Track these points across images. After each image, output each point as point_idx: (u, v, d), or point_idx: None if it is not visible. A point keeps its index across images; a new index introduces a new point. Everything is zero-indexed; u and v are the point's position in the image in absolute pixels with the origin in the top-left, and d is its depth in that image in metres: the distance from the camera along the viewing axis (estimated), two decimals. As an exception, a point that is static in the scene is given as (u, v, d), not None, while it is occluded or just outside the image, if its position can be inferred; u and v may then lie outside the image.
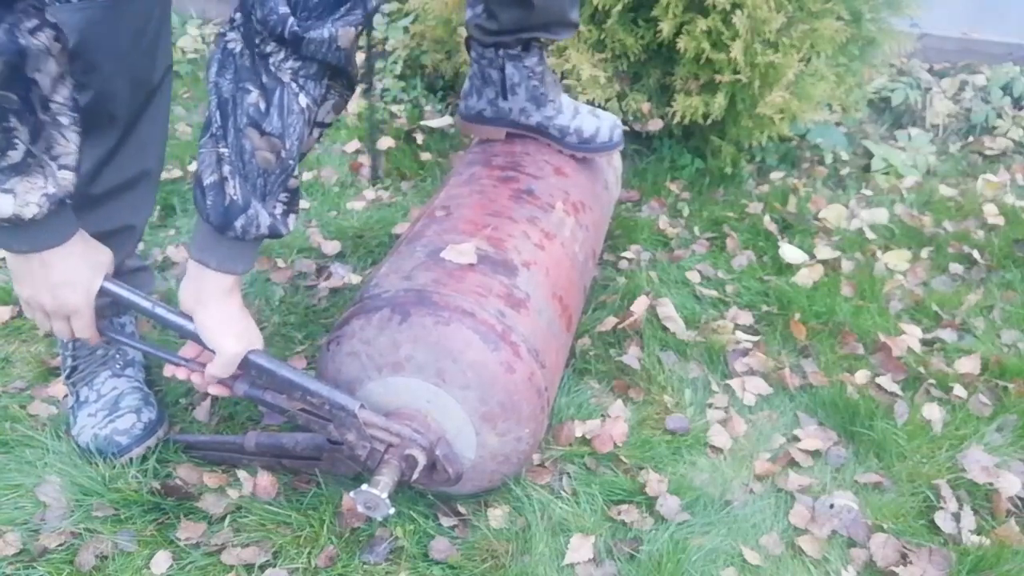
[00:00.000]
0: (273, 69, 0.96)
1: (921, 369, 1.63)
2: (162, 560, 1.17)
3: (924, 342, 1.73)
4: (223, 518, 1.24)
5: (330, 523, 1.23)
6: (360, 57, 2.74)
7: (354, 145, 2.36)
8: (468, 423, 1.18)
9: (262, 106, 0.97)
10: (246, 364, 1.12)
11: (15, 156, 0.91)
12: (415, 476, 1.15)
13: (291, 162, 1.02)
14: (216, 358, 1.10)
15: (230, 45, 0.97)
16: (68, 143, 0.96)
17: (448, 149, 2.38)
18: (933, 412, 1.52)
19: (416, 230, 1.39)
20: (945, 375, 1.62)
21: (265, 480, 1.28)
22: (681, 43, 2.00)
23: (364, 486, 1.10)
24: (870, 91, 2.68)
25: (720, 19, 1.95)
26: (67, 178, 0.97)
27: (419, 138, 2.40)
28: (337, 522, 1.24)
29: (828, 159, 2.47)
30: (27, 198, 0.94)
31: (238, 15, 0.96)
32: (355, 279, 1.81)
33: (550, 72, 1.58)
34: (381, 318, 1.17)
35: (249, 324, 1.13)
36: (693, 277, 1.89)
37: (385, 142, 2.37)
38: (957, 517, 1.33)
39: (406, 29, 2.72)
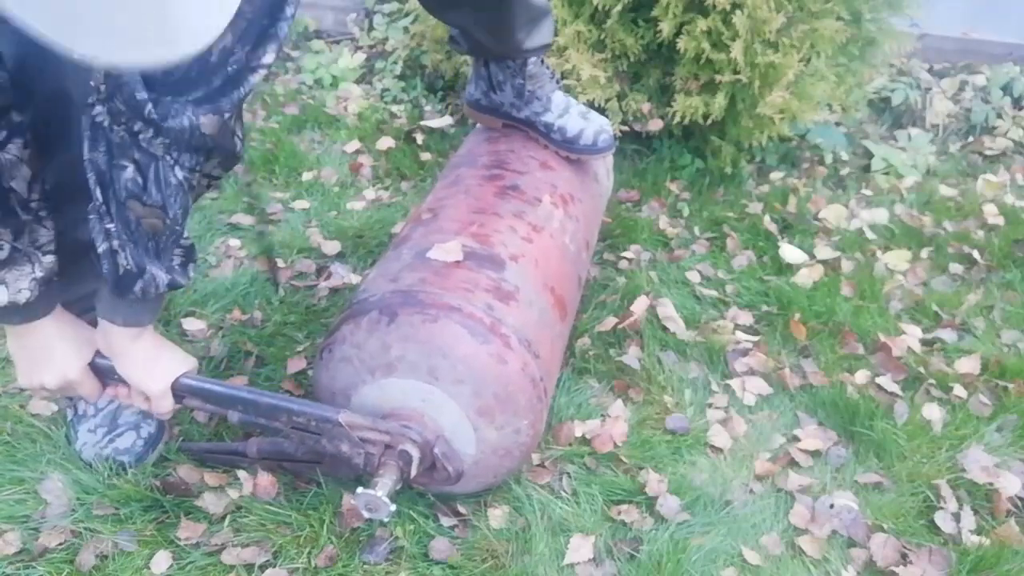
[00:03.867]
0: (144, 145, 0.94)
1: (921, 369, 1.63)
2: (162, 560, 1.17)
3: (924, 342, 1.73)
4: (223, 518, 1.24)
5: (330, 523, 1.23)
6: (360, 57, 2.75)
7: (354, 145, 2.36)
8: (465, 418, 1.18)
9: (139, 180, 0.96)
10: (182, 389, 1.17)
11: (2, 255, 0.98)
12: (413, 472, 1.15)
13: (178, 227, 1.04)
14: (150, 401, 1.16)
15: (99, 119, 0.93)
16: (48, 231, 1.02)
17: (448, 149, 2.38)
18: (933, 412, 1.52)
19: (404, 234, 1.40)
20: (945, 375, 1.62)
21: (265, 480, 1.28)
22: (681, 43, 2.00)
23: (364, 488, 1.11)
24: (870, 91, 2.68)
25: (720, 19, 1.95)
26: (50, 260, 1.04)
27: (419, 138, 2.40)
28: (337, 522, 1.24)
29: (828, 159, 2.47)
30: (18, 286, 1.01)
31: (103, 87, 0.91)
32: (355, 279, 1.81)
33: (542, 68, 1.59)
34: (370, 321, 1.17)
35: (169, 355, 1.17)
36: (693, 277, 1.89)
37: (385, 142, 2.37)
38: (957, 517, 1.33)
39: (406, 29, 2.72)
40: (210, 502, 1.25)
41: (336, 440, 1.16)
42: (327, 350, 1.22)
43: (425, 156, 2.33)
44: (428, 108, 2.59)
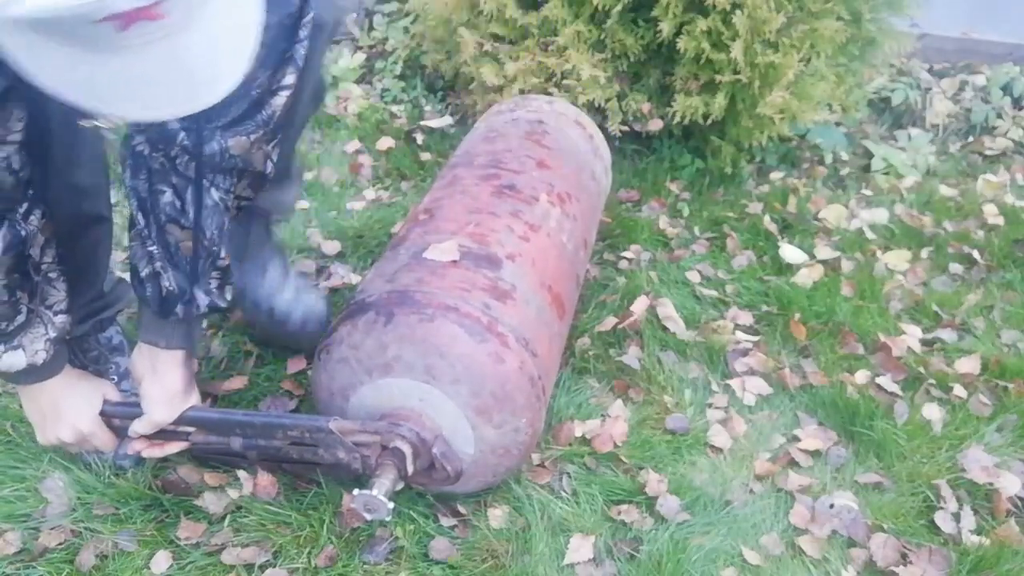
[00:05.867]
0: (181, 169, 1.01)
1: (921, 369, 1.63)
2: (162, 560, 1.17)
3: (924, 342, 1.73)
4: (223, 518, 1.24)
5: (330, 523, 1.23)
6: (360, 57, 2.74)
7: (354, 145, 2.36)
8: (463, 418, 1.18)
9: (177, 204, 1.04)
10: (185, 420, 1.20)
11: (20, 319, 1.02)
12: (409, 469, 1.16)
13: (215, 248, 1.09)
14: (144, 418, 1.18)
15: (139, 148, 1.01)
16: (59, 291, 1.06)
17: (448, 149, 2.38)
18: (933, 412, 1.52)
19: (401, 234, 1.40)
20: (945, 375, 1.62)
21: (265, 480, 1.28)
22: (681, 43, 2.00)
23: (361, 489, 1.11)
24: (870, 91, 2.68)
25: (720, 19, 1.95)
26: (62, 320, 1.08)
27: (419, 138, 2.40)
28: (337, 522, 1.24)
29: (828, 159, 2.47)
30: (34, 347, 1.05)
31: (138, 137, 1.01)
32: (355, 279, 1.81)
33: (265, 237, 1.49)
34: (366, 321, 1.17)
35: (189, 394, 1.20)
36: (693, 277, 1.89)
37: (385, 142, 2.37)
38: (957, 517, 1.33)
39: (406, 29, 2.72)
40: (210, 502, 1.25)
41: (332, 448, 1.17)
42: (325, 351, 1.22)
43: (425, 156, 2.33)
44: (428, 108, 2.59)
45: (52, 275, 1.04)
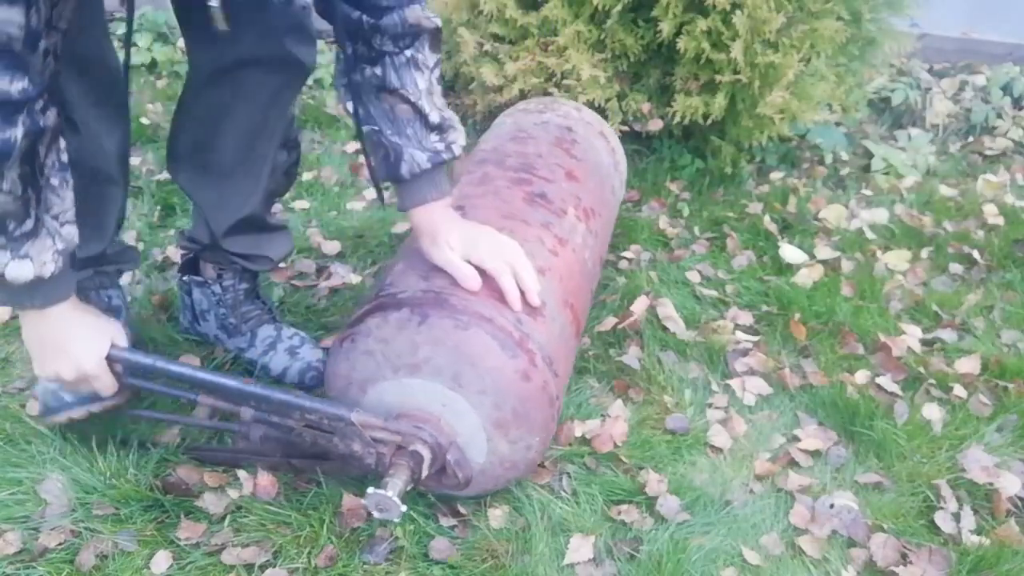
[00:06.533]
0: (377, 45, 1.15)
1: (921, 369, 1.63)
2: (162, 560, 1.17)
3: (924, 342, 1.73)
4: (223, 518, 1.24)
5: (330, 523, 1.23)
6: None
7: (354, 145, 2.36)
8: (481, 428, 1.18)
9: (379, 72, 1.17)
10: (195, 380, 1.19)
11: (29, 224, 0.99)
12: (424, 473, 1.15)
13: (421, 104, 1.19)
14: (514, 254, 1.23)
15: (341, 61, 1.18)
16: (64, 201, 1.03)
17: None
18: (933, 412, 1.52)
19: None
20: (945, 375, 1.62)
21: (265, 480, 1.28)
22: (681, 43, 2.00)
23: (375, 488, 1.10)
24: (870, 91, 2.68)
25: (720, 19, 1.95)
26: (70, 231, 1.05)
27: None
28: (337, 522, 1.24)
29: (828, 159, 2.47)
30: (42, 258, 1.01)
31: (348, 50, 1.16)
32: (355, 279, 1.81)
33: (250, 300, 1.54)
34: (400, 319, 1.16)
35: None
36: (693, 277, 1.89)
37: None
38: (957, 517, 1.33)
39: (406, 29, 2.72)
40: (210, 502, 1.25)
41: (348, 439, 1.15)
42: (349, 340, 1.20)
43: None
44: (428, 108, 2.58)
45: (55, 181, 1.01)
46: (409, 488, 1.14)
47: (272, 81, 1.32)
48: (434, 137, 1.21)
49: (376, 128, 1.20)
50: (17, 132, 0.91)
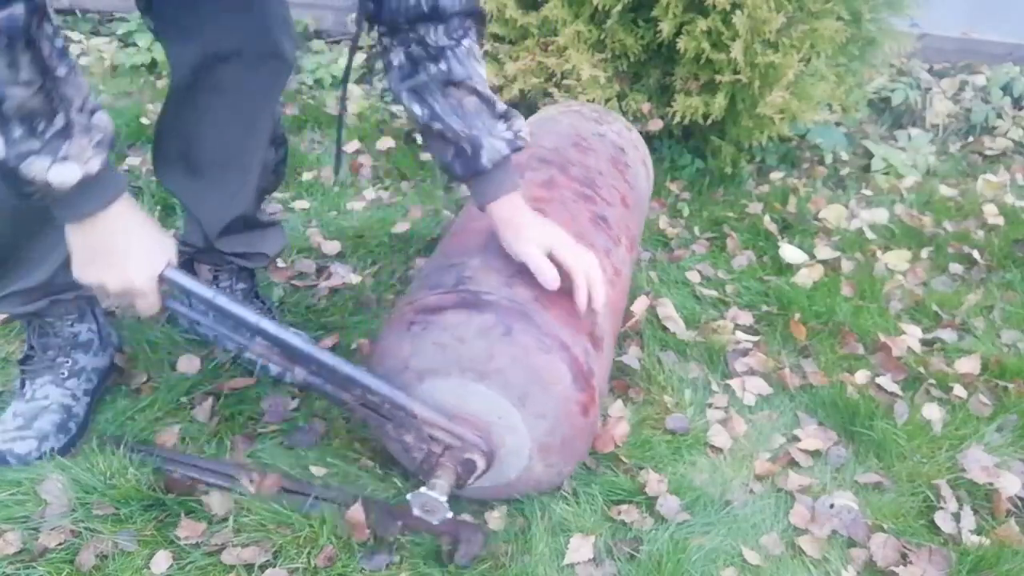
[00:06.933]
0: (433, 41, 1.13)
1: (921, 369, 1.63)
2: (162, 560, 1.17)
3: (924, 342, 1.73)
4: (224, 518, 1.24)
5: (330, 523, 1.23)
6: (360, 58, 2.75)
7: (354, 145, 2.36)
8: (527, 448, 1.18)
9: (444, 67, 1.14)
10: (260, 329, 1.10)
11: (60, 121, 0.90)
12: (471, 481, 1.15)
13: (487, 94, 1.17)
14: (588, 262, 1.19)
15: (395, 67, 1.17)
16: (80, 88, 0.93)
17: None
18: (933, 412, 1.52)
19: None
20: (945, 375, 1.62)
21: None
22: (681, 43, 2.00)
23: (422, 489, 1.09)
24: (870, 91, 2.68)
25: (720, 19, 1.95)
26: (102, 119, 0.95)
27: (419, 138, 2.40)
28: (338, 525, 1.24)
29: (828, 159, 2.47)
30: (84, 156, 0.92)
31: (384, 41, 1.17)
32: (355, 279, 1.81)
33: (250, 303, 1.52)
34: (483, 324, 1.12)
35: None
36: (693, 277, 1.89)
37: (385, 142, 2.37)
38: (957, 517, 1.33)
39: (406, 29, 2.72)
40: (215, 501, 1.25)
41: (403, 429, 1.13)
42: (420, 325, 1.15)
43: (425, 156, 2.33)
44: (428, 108, 2.58)
45: (62, 71, 0.90)
46: (453, 490, 1.13)
47: (255, 77, 1.29)
48: (502, 126, 1.18)
49: (447, 125, 1.16)
50: (18, 7, 0.83)
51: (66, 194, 0.93)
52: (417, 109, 1.16)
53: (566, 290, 1.17)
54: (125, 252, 1.01)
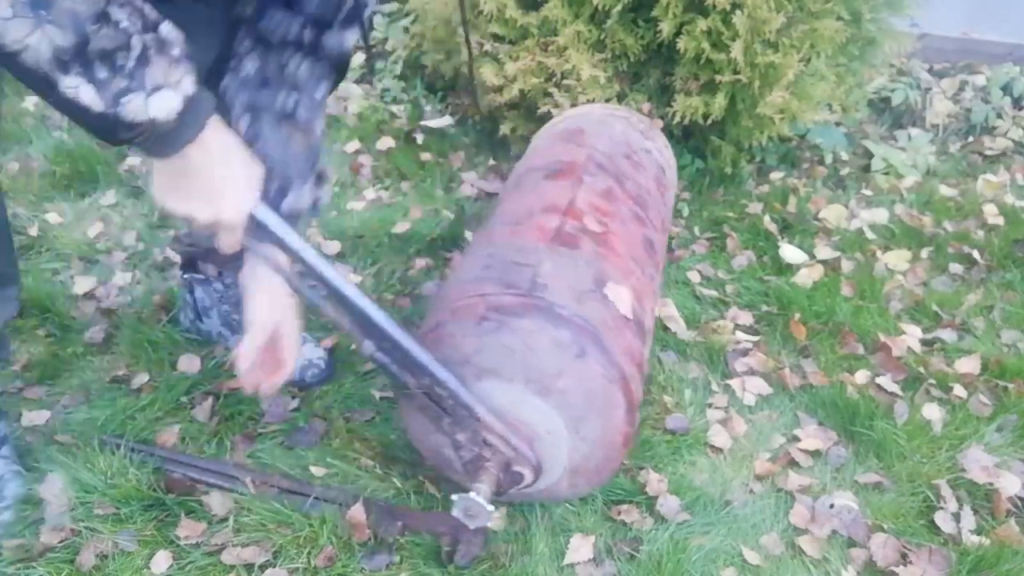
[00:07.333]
0: (292, 73, 1.07)
1: (921, 369, 1.63)
2: (162, 560, 1.17)
3: (924, 342, 1.73)
4: (224, 518, 1.24)
5: (330, 523, 1.23)
6: (360, 57, 2.75)
7: (354, 145, 2.36)
8: (561, 467, 1.18)
9: (291, 102, 1.07)
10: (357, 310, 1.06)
11: (136, 45, 0.82)
12: (511, 491, 1.16)
13: (318, 146, 1.12)
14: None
15: (243, 73, 1.07)
16: (134, 2, 0.83)
17: (448, 149, 2.38)
18: (933, 412, 1.52)
19: (570, 206, 1.29)
20: (945, 375, 1.62)
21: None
22: (681, 43, 2.00)
23: (471, 493, 1.09)
24: (870, 91, 2.68)
25: (720, 19, 1.95)
26: (168, 29, 0.85)
27: (419, 138, 2.40)
28: (339, 525, 1.24)
29: (828, 159, 2.47)
30: (173, 77, 0.84)
31: (245, 43, 1.07)
32: (355, 279, 1.81)
33: None
34: (558, 340, 1.10)
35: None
36: (693, 277, 1.89)
37: (385, 142, 2.37)
38: (957, 517, 1.33)
39: (406, 29, 2.72)
40: (215, 501, 1.25)
41: (459, 426, 1.11)
42: (493, 323, 1.11)
43: (425, 156, 2.33)
44: (428, 108, 2.59)
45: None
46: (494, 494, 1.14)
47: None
48: (312, 183, 1.12)
49: (267, 154, 1.04)
50: None
51: (172, 126, 0.85)
52: (244, 124, 1.07)
53: (621, 320, 1.17)
54: (220, 186, 0.94)
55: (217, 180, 0.93)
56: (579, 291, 1.16)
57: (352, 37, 1.08)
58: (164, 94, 0.84)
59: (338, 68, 1.11)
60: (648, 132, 1.71)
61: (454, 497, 1.11)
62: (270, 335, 1.12)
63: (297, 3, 1.03)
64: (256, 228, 0.99)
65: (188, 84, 0.86)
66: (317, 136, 1.11)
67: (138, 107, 0.82)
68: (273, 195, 1.06)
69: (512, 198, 1.44)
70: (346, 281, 1.07)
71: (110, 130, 0.85)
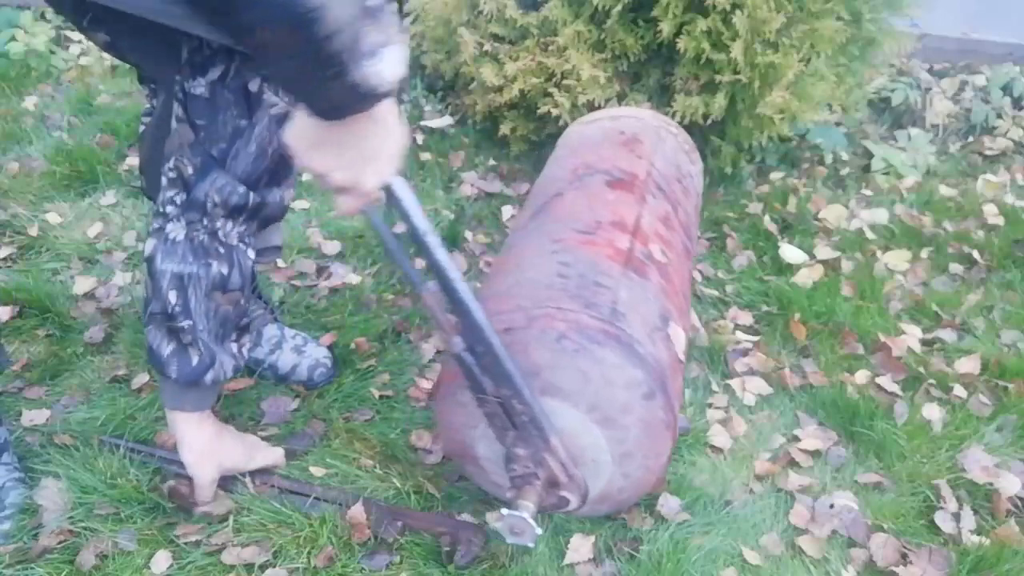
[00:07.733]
0: (223, 238, 1.06)
1: (921, 369, 1.63)
2: (162, 559, 1.17)
3: (924, 342, 1.73)
4: (224, 518, 1.24)
5: (330, 523, 1.23)
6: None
7: (354, 145, 2.36)
8: (598, 492, 1.19)
9: (224, 271, 1.07)
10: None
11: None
12: (553, 512, 1.19)
13: (245, 304, 1.15)
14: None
15: (171, 235, 1.05)
16: None
17: (448, 149, 2.38)
18: (933, 412, 1.52)
19: (632, 227, 1.29)
20: (945, 375, 1.62)
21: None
22: (681, 43, 2.00)
23: (515, 511, 1.08)
24: (870, 91, 2.68)
25: (720, 19, 1.95)
26: None
27: (419, 138, 2.40)
28: (340, 526, 1.24)
29: (828, 159, 2.47)
30: (393, 28, 0.76)
31: (169, 209, 1.04)
32: (355, 279, 1.81)
33: (254, 302, 1.49)
34: (632, 380, 1.10)
35: (231, 442, 1.24)
36: (694, 276, 1.89)
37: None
38: (957, 517, 1.33)
39: (406, 29, 2.72)
40: (213, 504, 1.25)
41: (523, 442, 1.11)
42: (573, 344, 1.09)
43: (425, 156, 2.33)
44: (428, 108, 2.58)
45: None
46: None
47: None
48: (233, 346, 1.15)
49: (192, 325, 1.08)
50: None
51: (388, 86, 0.77)
52: (172, 296, 1.05)
53: (677, 363, 1.19)
54: (372, 155, 0.88)
55: (372, 149, 0.87)
56: (650, 326, 1.17)
57: (290, 195, 1.11)
58: (392, 55, 0.76)
59: (273, 220, 1.12)
60: (691, 154, 1.70)
61: (503, 511, 1.09)
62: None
63: None
64: (387, 198, 0.95)
65: (400, 35, 0.77)
66: (248, 297, 1.16)
67: (395, 61, 0.75)
68: (192, 370, 1.12)
69: (575, 197, 1.39)
70: (459, 273, 1.04)
71: (350, 93, 0.77)
